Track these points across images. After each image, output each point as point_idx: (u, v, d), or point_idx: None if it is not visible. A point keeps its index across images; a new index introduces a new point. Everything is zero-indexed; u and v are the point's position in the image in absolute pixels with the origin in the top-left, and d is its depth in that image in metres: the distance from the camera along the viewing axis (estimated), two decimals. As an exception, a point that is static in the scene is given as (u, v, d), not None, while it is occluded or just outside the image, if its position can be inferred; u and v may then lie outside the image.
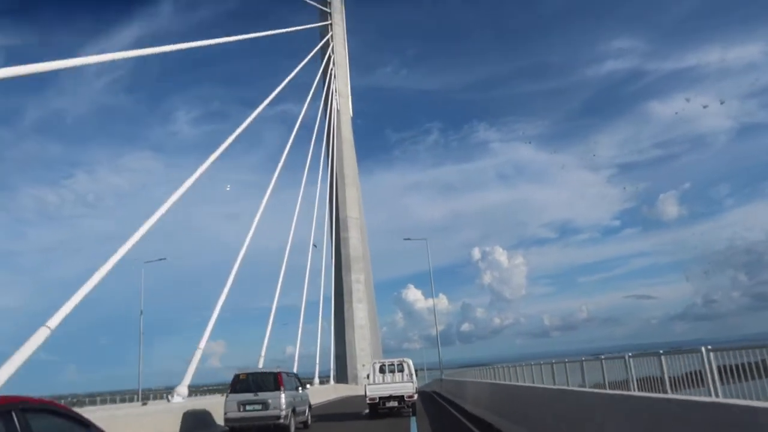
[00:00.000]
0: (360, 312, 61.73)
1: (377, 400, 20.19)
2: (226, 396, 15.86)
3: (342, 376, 56.44)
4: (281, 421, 15.20)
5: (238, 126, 27.95)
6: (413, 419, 18.71)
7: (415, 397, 20.51)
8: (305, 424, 17.73)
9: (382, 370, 21.73)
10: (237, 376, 16.13)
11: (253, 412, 15.25)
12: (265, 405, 15.26)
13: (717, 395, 7.08)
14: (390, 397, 20.10)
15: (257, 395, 15.41)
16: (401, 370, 21.50)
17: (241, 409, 15.34)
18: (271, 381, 15.75)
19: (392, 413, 20.38)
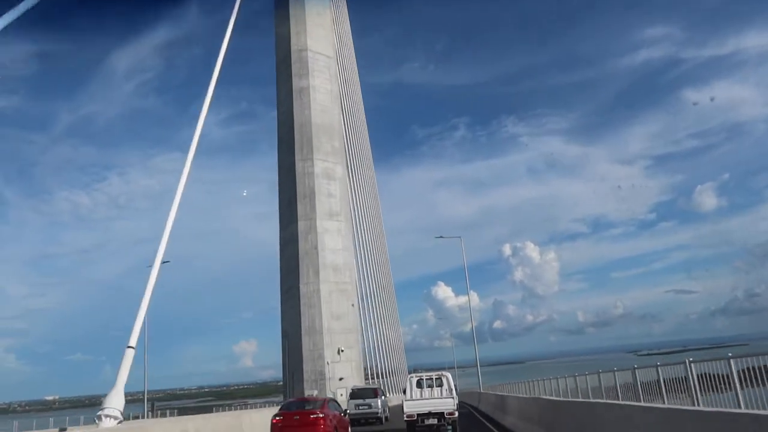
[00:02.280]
0: (333, 237, 47.53)
1: (415, 417, 18.89)
2: (348, 400, 27.83)
3: (296, 380, 44.59)
4: (379, 415, 27.22)
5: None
6: None
7: (456, 414, 19.13)
8: (387, 417, 28.07)
9: (419, 385, 20.69)
10: (353, 389, 29.61)
11: (363, 409, 26.99)
12: (369, 406, 27.13)
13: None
14: (429, 414, 18.83)
15: (365, 401, 27.29)
16: (440, 385, 20.44)
17: (356, 408, 26.62)
18: (371, 392, 28.35)
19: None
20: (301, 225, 47.74)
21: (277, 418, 16.81)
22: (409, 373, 79.59)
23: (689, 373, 8.81)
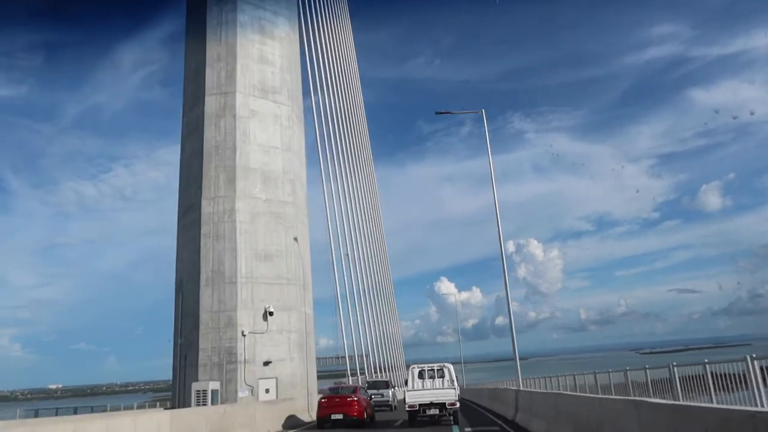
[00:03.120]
0: (267, 127, 28.85)
1: (417, 408, 19.12)
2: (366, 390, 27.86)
3: (188, 364, 25.91)
4: (389, 403, 30.86)
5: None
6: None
7: (458, 405, 19.24)
8: (395, 406, 31.19)
9: (421, 376, 20.43)
10: (369, 382, 34.99)
11: (377, 398, 29.40)
12: (382, 395, 30.65)
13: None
14: (431, 405, 19.09)
15: (379, 391, 30.93)
16: (442, 376, 20.37)
17: (371, 398, 25.57)
18: (384, 384, 32.90)
19: (432, 422, 19.82)
20: (211, 102, 28.14)
21: (323, 399, 20.84)
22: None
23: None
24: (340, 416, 19.86)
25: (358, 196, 63.76)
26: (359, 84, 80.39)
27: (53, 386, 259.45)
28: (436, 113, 25.71)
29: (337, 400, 20.39)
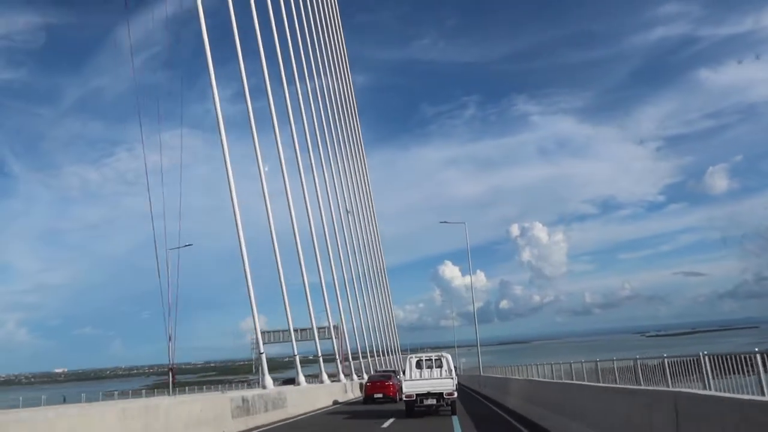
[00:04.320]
0: None
1: (414, 398, 19.03)
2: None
3: None
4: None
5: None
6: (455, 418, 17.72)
7: (455, 395, 19.18)
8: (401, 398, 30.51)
9: (419, 365, 20.67)
10: (377, 371, 39.01)
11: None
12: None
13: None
14: (428, 395, 18.95)
15: (383, 377, 29.80)
16: (440, 366, 20.46)
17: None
18: (391, 373, 32.32)
19: (430, 412, 19.55)
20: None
21: (368, 383, 28.80)
22: (403, 352, 79.24)
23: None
24: (380, 395, 27.12)
25: (347, 181, 59.93)
26: (348, 66, 74.71)
27: (58, 370, 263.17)
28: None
29: (378, 384, 27.88)
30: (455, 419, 17.47)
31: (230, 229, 25.16)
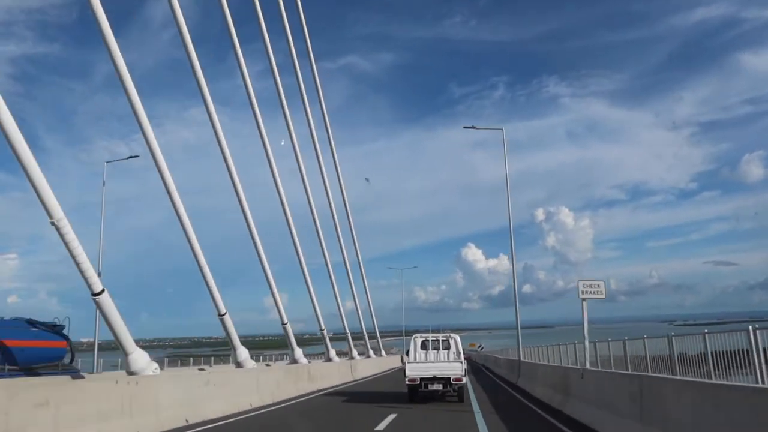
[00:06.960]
0: None
1: (418, 382, 17.32)
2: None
3: None
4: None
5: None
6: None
7: (464, 380, 17.49)
8: None
9: (424, 347, 19.23)
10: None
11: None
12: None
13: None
14: (434, 379, 17.27)
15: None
16: (447, 348, 19.10)
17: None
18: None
19: (434, 398, 18.03)
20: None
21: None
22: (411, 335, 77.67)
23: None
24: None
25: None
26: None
27: (84, 340, 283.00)
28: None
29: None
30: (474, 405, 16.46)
31: (255, 206, 23.68)
